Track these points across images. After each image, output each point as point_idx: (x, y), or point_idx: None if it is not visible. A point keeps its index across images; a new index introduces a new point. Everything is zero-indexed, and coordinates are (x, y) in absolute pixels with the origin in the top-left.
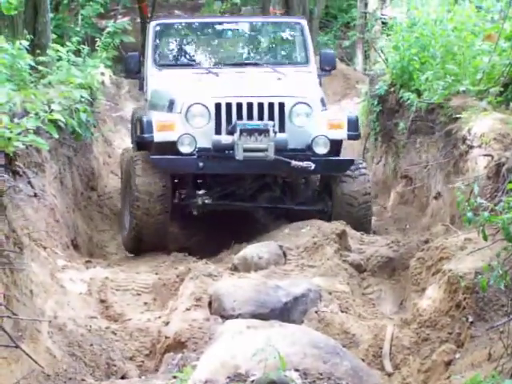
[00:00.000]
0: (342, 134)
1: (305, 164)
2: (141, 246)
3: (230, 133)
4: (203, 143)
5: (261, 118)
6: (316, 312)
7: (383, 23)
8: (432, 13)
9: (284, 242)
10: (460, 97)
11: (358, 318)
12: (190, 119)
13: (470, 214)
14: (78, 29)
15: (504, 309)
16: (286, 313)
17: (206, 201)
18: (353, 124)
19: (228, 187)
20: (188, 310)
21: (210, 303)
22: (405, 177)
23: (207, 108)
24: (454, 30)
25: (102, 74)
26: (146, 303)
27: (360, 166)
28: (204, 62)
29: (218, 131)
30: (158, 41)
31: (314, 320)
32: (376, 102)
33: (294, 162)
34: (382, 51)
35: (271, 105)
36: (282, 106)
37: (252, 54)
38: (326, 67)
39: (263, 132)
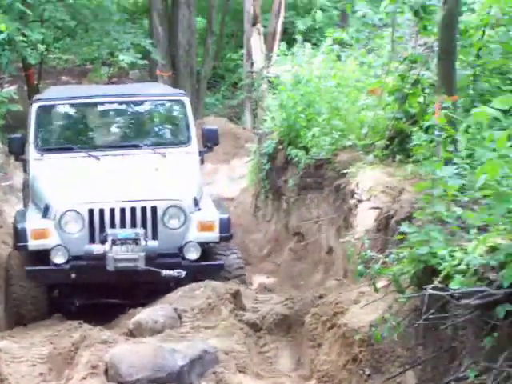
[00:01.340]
0: (213, 236)
1: (175, 273)
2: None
3: (103, 241)
4: (77, 251)
5: (134, 223)
6: (213, 373)
7: (270, 82)
8: (315, 70)
9: (179, 304)
10: (347, 151)
11: (255, 377)
12: (64, 226)
13: (361, 268)
14: None
15: (400, 359)
16: (183, 376)
17: (82, 301)
18: (224, 225)
19: (104, 288)
20: (84, 378)
21: (106, 370)
22: (297, 233)
23: (80, 214)
24: (337, 86)
25: None
26: (41, 374)
27: (231, 246)
28: (85, 144)
29: (91, 238)
30: (39, 123)
31: (211, 382)
32: (265, 161)
33: (164, 272)
34: (268, 110)
35: (144, 209)
36: (154, 209)
37: (133, 135)
38: (209, 144)
39: (134, 241)
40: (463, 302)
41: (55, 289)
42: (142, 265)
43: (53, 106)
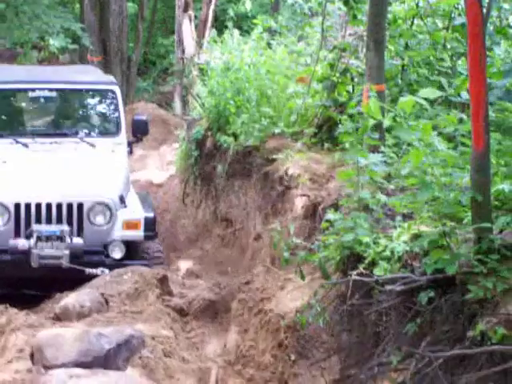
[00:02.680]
0: (137, 235)
1: (99, 272)
2: None
3: (28, 236)
4: (2, 245)
5: (59, 219)
6: (140, 358)
7: (200, 68)
8: (246, 57)
9: (106, 289)
10: (276, 139)
11: (182, 362)
12: None
13: (286, 254)
14: None
15: (325, 345)
16: (109, 360)
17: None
18: (149, 223)
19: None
20: (10, 362)
21: (32, 354)
22: (225, 219)
23: (6, 208)
24: (267, 73)
25: None
26: None
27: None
28: (14, 131)
29: (17, 232)
30: None
31: (137, 366)
32: (194, 147)
33: (88, 270)
34: (198, 96)
35: (70, 205)
36: (80, 206)
37: (62, 123)
38: (138, 134)
39: (59, 238)
40: (387, 288)
41: None
42: (66, 262)
43: None
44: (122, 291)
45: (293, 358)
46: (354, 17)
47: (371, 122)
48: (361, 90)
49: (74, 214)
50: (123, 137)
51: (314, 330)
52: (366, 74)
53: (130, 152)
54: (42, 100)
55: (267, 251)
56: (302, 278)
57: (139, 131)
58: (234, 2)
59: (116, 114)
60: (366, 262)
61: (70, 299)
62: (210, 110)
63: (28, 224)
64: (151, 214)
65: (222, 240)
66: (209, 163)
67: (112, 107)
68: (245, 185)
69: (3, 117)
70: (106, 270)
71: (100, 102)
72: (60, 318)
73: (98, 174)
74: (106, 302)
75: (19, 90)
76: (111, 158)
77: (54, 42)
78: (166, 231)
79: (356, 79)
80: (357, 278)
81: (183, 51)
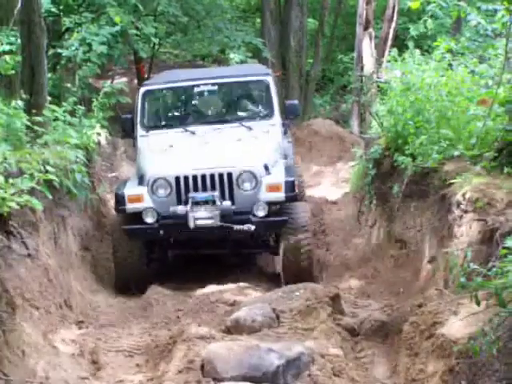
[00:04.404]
0: (279, 196)
1: (246, 227)
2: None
3: (186, 203)
4: (165, 212)
5: (213, 186)
6: (309, 375)
7: (379, 87)
8: (427, 77)
9: (277, 304)
10: (454, 161)
11: (350, 381)
12: (155, 191)
13: (462, 280)
14: (74, 89)
15: (497, 374)
16: (278, 376)
17: (175, 252)
18: (289, 186)
19: (194, 241)
20: (180, 372)
21: (202, 366)
22: (399, 240)
23: (168, 182)
24: (448, 94)
25: (99, 134)
26: (138, 365)
27: (300, 206)
28: (183, 121)
29: (178, 200)
30: (145, 105)
31: (306, 383)
32: (371, 166)
33: (236, 227)
34: (376, 115)
35: (221, 175)
36: (230, 175)
37: (224, 111)
38: (291, 116)
39: (211, 202)
40: None
41: (151, 245)
42: (217, 222)
43: (156, 90)
44: (293, 307)
45: None
46: None
47: None
48: None
49: (225, 182)
50: (276, 119)
51: (486, 358)
52: None
53: (285, 132)
54: (207, 93)
55: (441, 274)
56: (478, 304)
57: (291, 113)
58: (414, 21)
59: (270, 100)
60: None
61: (242, 313)
62: (389, 130)
63: (187, 193)
64: (291, 179)
65: (396, 261)
66: (385, 183)
67: (266, 94)
68: (421, 206)
69: (175, 110)
70: (252, 226)
71: (255, 90)
72: (231, 330)
73: (248, 149)
74: (277, 317)
75: (188, 87)
76: (265, 137)
77: (234, 57)
78: (339, 249)
79: None
80: None
81: (362, 69)
